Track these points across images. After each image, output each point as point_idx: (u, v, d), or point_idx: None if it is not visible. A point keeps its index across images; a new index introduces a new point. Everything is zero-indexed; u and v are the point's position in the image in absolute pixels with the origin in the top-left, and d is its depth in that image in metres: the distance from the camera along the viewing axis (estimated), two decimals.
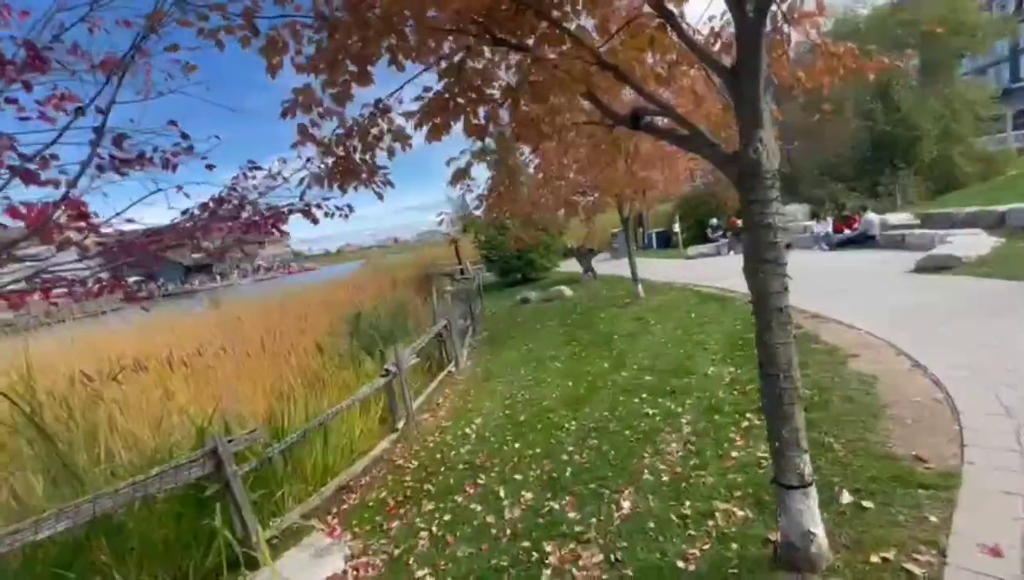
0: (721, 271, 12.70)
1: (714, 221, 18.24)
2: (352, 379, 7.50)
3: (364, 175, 3.07)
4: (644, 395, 5.46)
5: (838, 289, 7.95)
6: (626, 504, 3.48)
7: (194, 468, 3.91)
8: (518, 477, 4.49)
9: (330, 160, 3.02)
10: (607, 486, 3.83)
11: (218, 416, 5.34)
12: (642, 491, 3.61)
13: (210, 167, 3.59)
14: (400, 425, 6.61)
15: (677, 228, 19.07)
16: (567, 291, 14.10)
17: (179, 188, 4.42)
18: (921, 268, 8.38)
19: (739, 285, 9.71)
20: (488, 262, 19.38)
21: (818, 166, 21.59)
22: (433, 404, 7.71)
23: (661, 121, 2.63)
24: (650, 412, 4.99)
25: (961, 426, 3.17)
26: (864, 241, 12.72)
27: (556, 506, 3.78)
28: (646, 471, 3.88)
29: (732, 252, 16.59)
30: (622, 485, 3.77)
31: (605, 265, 20.00)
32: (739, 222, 17.01)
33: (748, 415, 4.27)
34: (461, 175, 2.94)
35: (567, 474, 4.24)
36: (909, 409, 3.55)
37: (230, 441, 4.15)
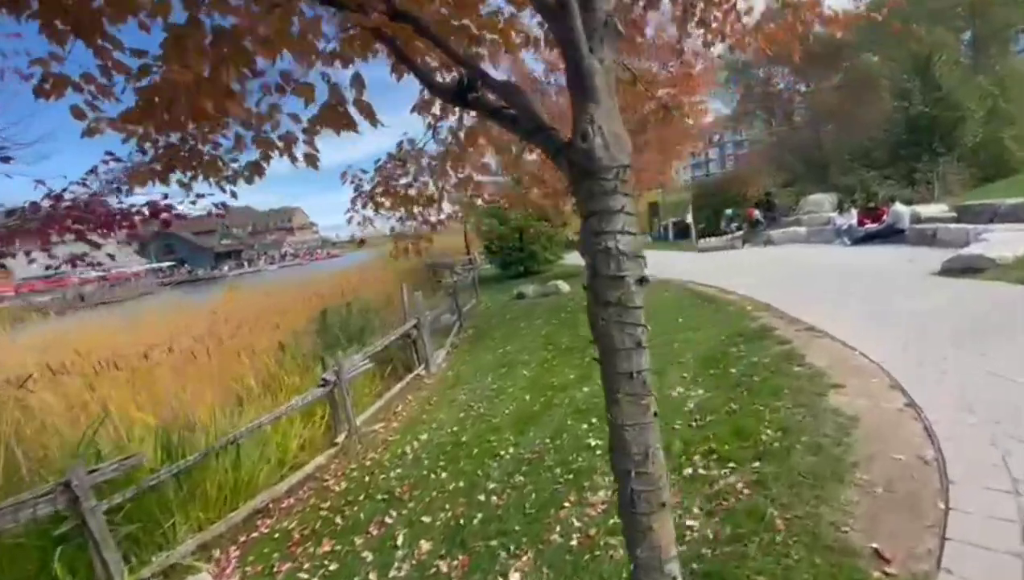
0: (729, 267, 11.70)
1: (728, 212, 17.04)
2: (303, 385, 7.01)
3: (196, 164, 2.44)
4: (594, 419, 4.74)
5: (846, 293, 6.97)
6: (515, 578, 2.81)
7: (41, 505, 3.42)
8: (426, 519, 3.87)
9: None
10: (508, 545, 3.17)
11: (119, 427, 4.91)
12: (541, 559, 2.93)
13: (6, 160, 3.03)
14: (341, 438, 6.08)
15: (690, 219, 17.94)
16: (564, 287, 13.33)
17: (40, 182, 3.90)
18: (947, 270, 7.30)
19: (742, 284, 8.76)
20: (490, 253, 18.68)
21: (848, 151, 20.01)
22: (391, 411, 7.17)
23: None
24: (592, 444, 4.28)
25: (947, 505, 2.37)
26: (891, 235, 11.48)
27: (445, 567, 3.15)
28: (558, 529, 3.20)
29: (747, 245, 15.44)
30: (524, 547, 3.11)
31: None
32: (756, 213, 15.83)
33: (695, 459, 3.51)
34: None
35: (476, 521, 3.60)
36: (886, 471, 2.75)
37: (92, 471, 3.66)
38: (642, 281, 1.52)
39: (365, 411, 6.92)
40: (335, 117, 1.79)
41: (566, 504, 3.47)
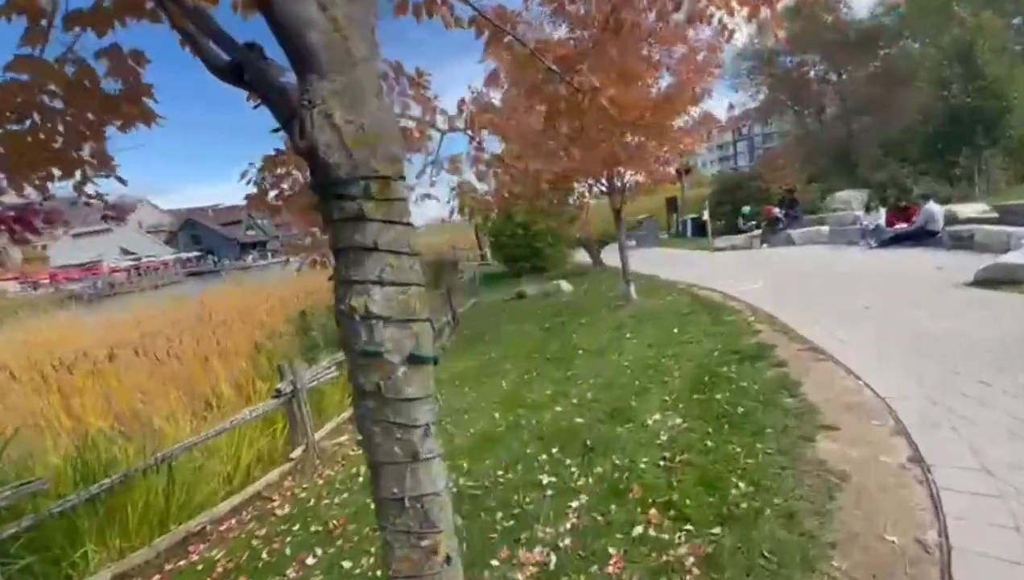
0: (741, 269, 10.92)
1: (746, 209, 16.09)
2: (270, 392, 6.67)
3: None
4: (555, 450, 4.21)
5: (860, 306, 6.23)
6: None
7: None
8: (347, 564, 3.42)
9: None
10: None
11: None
12: None
13: None
14: (297, 453, 5.69)
15: (707, 215, 17.04)
16: (565, 286, 12.73)
17: None
18: (982, 280, 6.46)
19: (751, 290, 8.06)
20: (496, 250, 18.14)
21: (881, 144, 18.75)
22: None
23: None
24: (545, 482, 3.75)
25: None
26: (922, 238, 10.51)
27: None
28: None
29: (765, 245, 14.53)
30: None
31: (630, 254, 18.30)
32: (775, 210, 14.89)
33: (651, 513, 2.96)
34: None
35: None
36: (871, 559, 2.15)
37: None
38: (419, 360, 0.98)
39: (333, 420, 6.55)
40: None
41: (494, 562, 2.96)
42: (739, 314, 6.94)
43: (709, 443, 3.60)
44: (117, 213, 3.52)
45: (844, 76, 21.76)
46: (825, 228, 13.72)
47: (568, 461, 3.98)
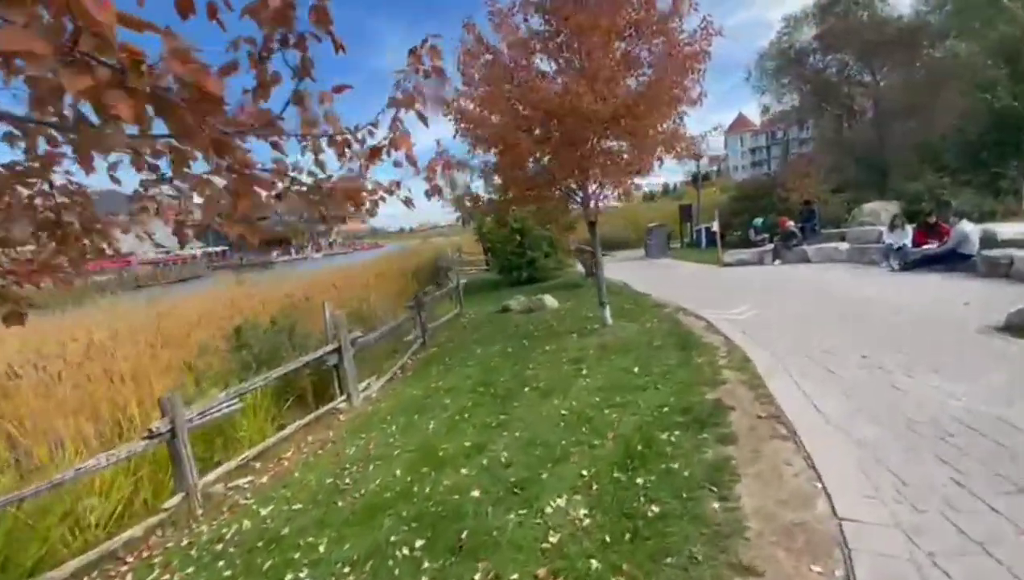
0: (741, 290, 9.76)
1: (759, 221, 14.76)
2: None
3: None
4: (421, 543, 3.30)
5: (858, 351, 5.09)
6: None
7: None
8: None
9: None
10: None
11: None
12: None
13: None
14: (174, 502, 4.93)
15: (716, 226, 15.76)
16: (550, 302, 11.76)
17: None
18: (1012, 326, 5.23)
19: (740, 320, 6.99)
20: (493, 257, 17.28)
21: (918, 151, 17.08)
22: (275, 459, 5.99)
23: None
24: None
25: None
26: (954, 261, 9.15)
27: None
28: None
29: (778, 262, 13.22)
30: None
31: (628, 268, 17.21)
32: (790, 224, 13.55)
33: None
34: None
35: None
36: None
37: None
38: None
39: (241, 455, 5.79)
40: None
41: None
42: (712, 353, 5.87)
43: (594, 563, 2.64)
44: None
45: (879, 77, 20.04)
46: (845, 245, 12.34)
47: (427, 563, 3.07)
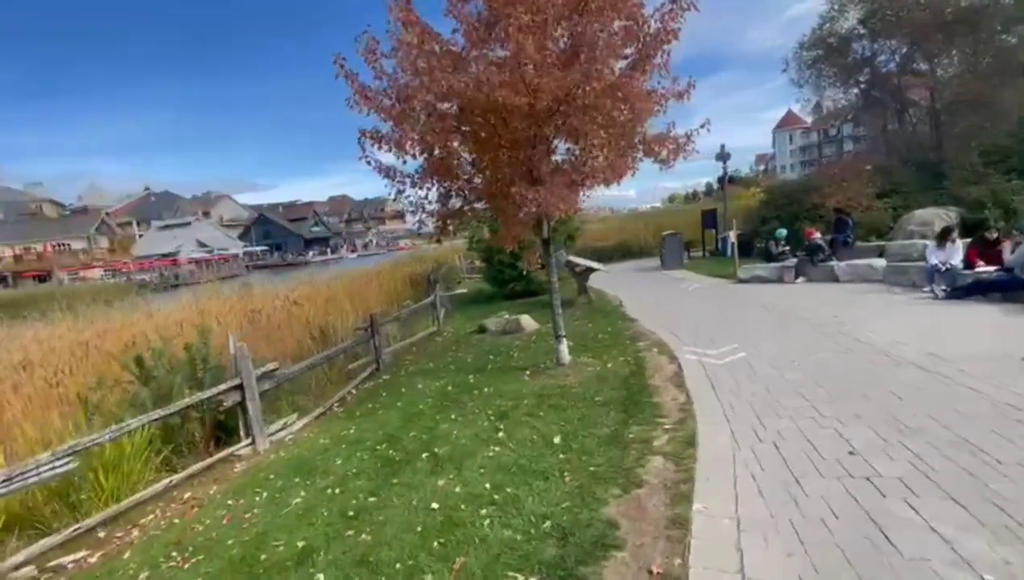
0: (744, 320, 8.16)
1: (781, 231, 12.84)
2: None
3: None
4: None
5: (844, 447, 3.57)
6: None
7: None
8: None
9: None
10: None
11: None
12: None
13: None
14: None
15: (733, 237, 13.96)
16: (527, 323, 10.46)
17: None
18: None
19: (721, 364, 5.57)
20: (487, 270, 16.05)
21: (981, 151, 14.65)
22: (129, 525, 5.03)
23: None
24: None
25: None
26: (1013, 289, 7.25)
27: None
28: None
29: (801, 280, 11.39)
30: None
31: (633, 281, 15.64)
32: (816, 235, 11.67)
33: None
34: None
35: None
36: None
37: None
38: None
39: (89, 518, 4.86)
40: None
41: None
42: (657, 422, 4.45)
43: None
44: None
45: (936, 66, 17.51)
46: (881, 263, 10.40)
47: None
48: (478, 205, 6.95)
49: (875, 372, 5.01)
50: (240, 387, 6.39)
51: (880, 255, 11.14)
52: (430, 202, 6.71)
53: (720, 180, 15.03)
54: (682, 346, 6.97)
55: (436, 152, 5.88)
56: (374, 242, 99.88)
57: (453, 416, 5.86)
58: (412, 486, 4.33)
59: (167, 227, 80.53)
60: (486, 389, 6.62)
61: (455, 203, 6.88)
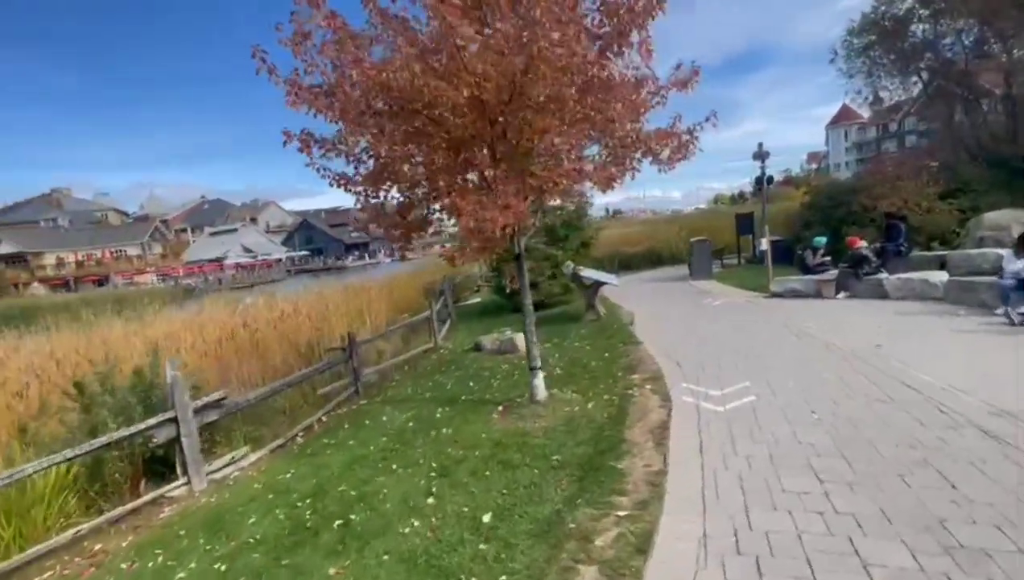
0: (770, 341, 6.91)
1: (820, 239, 11.25)
2: None
3: None
4: None
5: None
6: None
7: None
8: None
9: None
10: None
11: None
12: None
13: None
14: None
15: (765, 244, 12.47)
16: (522, 343, 9.44)
17: None
18: None
19: (727, 410, 4.50)
20: (497, 280, 15.12)
21: None
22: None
23: None
24: None
25: None
26: None
27: None
28: None
29: (842, 295, 9.88)
30: None
31: (654, 293, 14.36)
32: (860, 243, 10.12)
33: None
34: None
35: None
36: None
37: None
38: None
39: None
40: None
41: None
42: (607, 513, 3.39)
43: None
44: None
45: (1011, 46, 15.29)
46: (942, 277, 8.79)
47: None
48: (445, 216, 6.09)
49: (922, 438, 3.76)
50: (175, 420, 5.75)
51: (941, 267, 9.48)
52: (386, 213, 5.90)
53: (758, 181, 13.52)
54: (681, 382, 5.82)
55: (383, 156, 5.03)
56: (409, 247, 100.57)
57: (395, 466, 4.98)
58: (300, 572, 3.47)
59: (216, 233, 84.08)
60: (445, 430, 5.71)
61: (418, 213, 6.03)
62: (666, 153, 6.26)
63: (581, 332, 9.97)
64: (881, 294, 9.30)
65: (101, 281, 57.13)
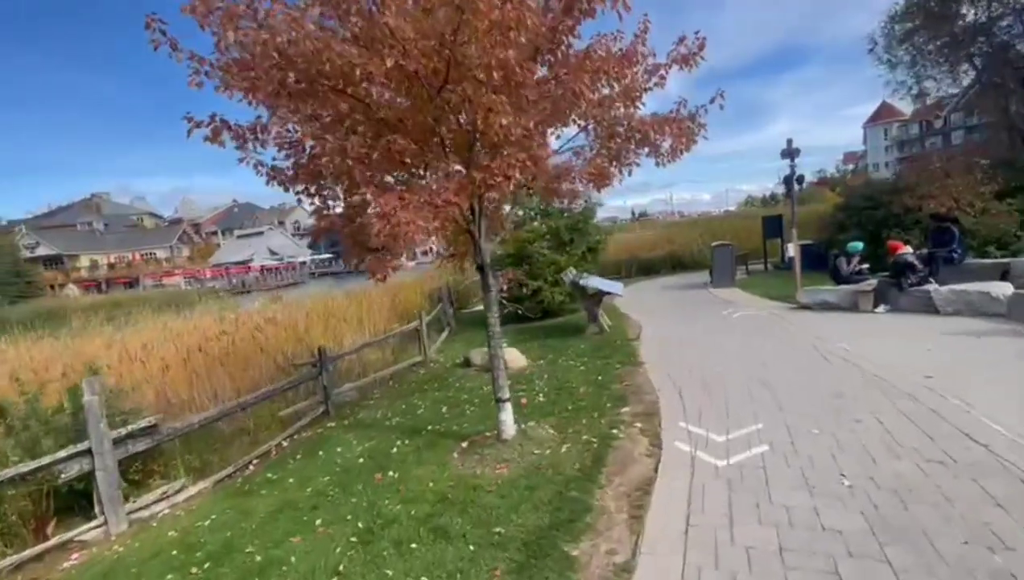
0: (794, 368, 5.78)
1: (856, 245, 9.89)
2: None
3: None
4: None
5: None
6: None
7: None
8: None
9: None
10: None
11: None
12: None
13: None
14: None
15: (792, 249, 11.18)
16: (513, 359, 8.50)
17: None
18: None
19: (737, 454, 3.53)
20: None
21: None
22: None
23: None
24: None
25: None
26: None
27: None
28: None
29: (882, 307, 8.59)
30: None
31: (669, 303, 13.22)
32: (905, 249, 8.80)
33: None
34: None
35: None
36: None
37: None
38: None
39: None
40: None
41: None
42: None
43: None
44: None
45: None
46: (1005, 289, 7.43)
47: None
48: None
49: (1002, 530, 2.66)
50: (90, 450, 5.02)
51: (1003, 276, 8.12)
52: (328, 212, 5.04)
53: (786, 181, 12.21)
54: (679, 420, 4.77)
55: (309, 146, 4.17)
56: (433, 250, 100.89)
57: (319, 521, 4.11)
58: None
59: (244, 236, 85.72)
60: (392, 473, 4.80)
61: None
62: (667, 144, 5.30)
63: (580, 347, 8.95)
64: (929, 308, 7.99)
65: (131, 283, 58.64)
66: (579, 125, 5.33)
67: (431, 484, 4.34)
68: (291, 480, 5.29)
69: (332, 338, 11.28)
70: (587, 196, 13.86)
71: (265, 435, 7.50)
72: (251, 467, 6.45)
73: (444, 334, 13.03)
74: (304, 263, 79.86)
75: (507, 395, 4.93)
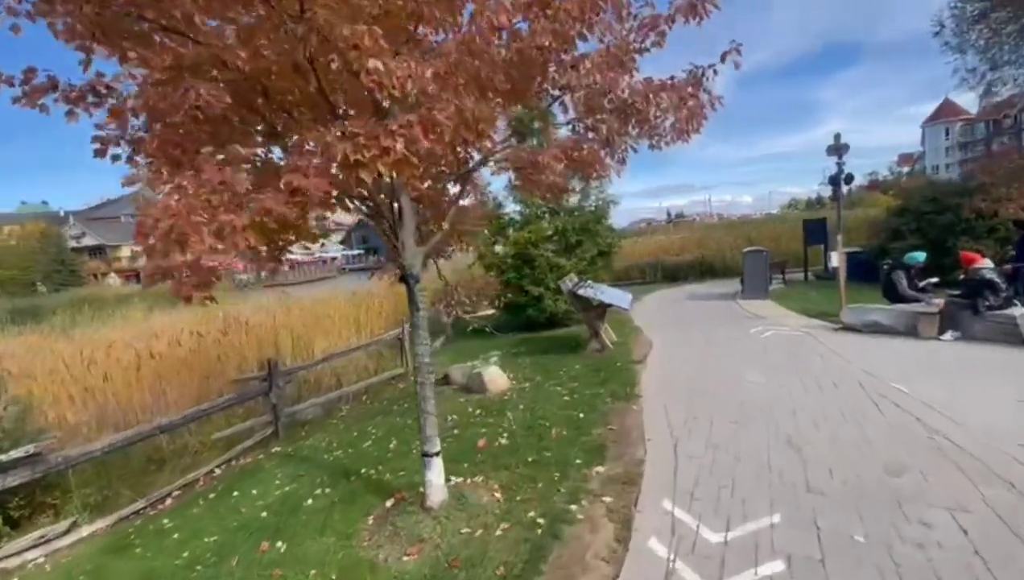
0: (851, 411, 4.37)
1: (918, 256, 8.15)
2: None
3: None
4: None
5: None
6: None
7: None
8: None
9: None
10: None
11: None
12: None
13: None
14: None
15: (835, 259, 9.54)
16: (492, 380, 7.29)
17: None
18: None
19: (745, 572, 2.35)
20: (501, 291, 12.93)
21: None
22: None
23: None
24: None
25: None
26: None
27: None
28: None
29: (950, 334, 6.96)
30: None
31: (692, 316, 11.75)
32: (983, 262, 7.10)
33: None
34: None
35: None
36: None
37: None
38: None
39: None
40: None
41: None
42: None
43: None
44: None
45: None
46: None
47: None
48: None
49: None
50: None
51: None
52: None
53: (832, 180, 10.54)
54: (664, 498, 3.47)
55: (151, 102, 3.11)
56: (451, 249, 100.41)
57: None
58: None
59: None
60: (280, 544, 3.69)
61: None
62: (669, 121, 4.06)
63: (574, 368, 7.65)
64: (1013, 339, 6.33)
65: None
66: (552, 96, 4.16)
67: (313, 572, 3.20)
68: (176, 536, 4.27)
69: (305, 346, 10.29)
70: (598, 192, 12.66)
71: (206, 457, 6.60)
72: (168, 500, 5.52)
73: (438, 342, 11.94)
74: (335, 258, 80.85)
75: (437, 448, 3.74)
